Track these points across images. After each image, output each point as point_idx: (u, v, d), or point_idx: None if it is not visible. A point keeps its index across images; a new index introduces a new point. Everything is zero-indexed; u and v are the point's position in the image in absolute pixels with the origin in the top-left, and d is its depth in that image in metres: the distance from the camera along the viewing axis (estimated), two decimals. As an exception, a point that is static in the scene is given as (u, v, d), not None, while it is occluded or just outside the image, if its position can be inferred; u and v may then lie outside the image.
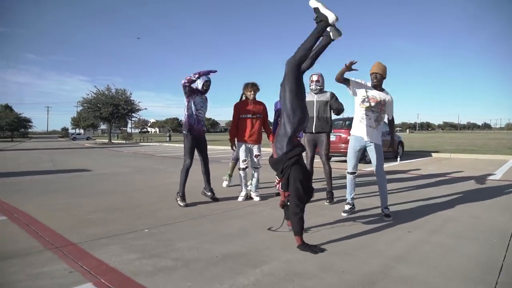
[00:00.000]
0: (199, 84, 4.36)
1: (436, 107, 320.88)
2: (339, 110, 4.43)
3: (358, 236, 2.96)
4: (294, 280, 2.09)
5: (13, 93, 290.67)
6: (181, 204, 4.20)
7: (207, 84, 4.41)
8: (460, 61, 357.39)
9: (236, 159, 5.28)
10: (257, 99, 4.71)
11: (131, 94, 32.37)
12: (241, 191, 4.67)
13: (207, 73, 4.30)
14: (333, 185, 4.54)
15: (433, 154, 12.38)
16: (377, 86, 3.68)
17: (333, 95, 4.51)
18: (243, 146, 4.63)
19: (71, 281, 2.08)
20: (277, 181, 2.81)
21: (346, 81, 3.63)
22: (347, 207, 3.77)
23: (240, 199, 4.60)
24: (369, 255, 2.52)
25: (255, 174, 4.72)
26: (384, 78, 3.69)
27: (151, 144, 28.88)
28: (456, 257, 2.49)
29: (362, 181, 6.13)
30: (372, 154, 3.70)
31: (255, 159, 4.69)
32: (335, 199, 4.43)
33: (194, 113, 4.33)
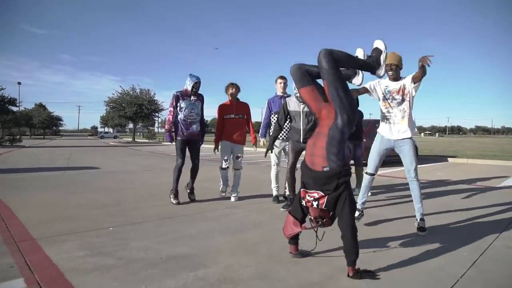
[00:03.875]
0: (188, 86, 4.36)
1: (469, 110, 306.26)
2: None
3: (320, 244, 2.82)
4: (222, 286, 2.03)
5: (48, 93, 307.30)
6: (174, 201, 4.28)
7: (196, 86, 4.40)
8: (495, 62, 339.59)
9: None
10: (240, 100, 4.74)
11: (155, 94, 33.31)
12: (221, 186, 4.73)
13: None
14: None
15: (449, 159, 11.81)
16: (395, 78, 3.40)
17: None
18: (226, 146, 4.62)
19: (6, 275, 2.13)
20: (314, 197, 2.22)
21: (366, 91, 3.47)
22: (356, 213, 3.58)
23: (221, 194, 4.71)
24: (317, 263, 2.41)
25: (236, 175, 4.70)
26: (401, 68, 3.43)
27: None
28: (412, 271, 2.33)
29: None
30: (401, 157, 3.43)
31: (237, 160, 4.66)
32: None
33: (182, 118, 4.35)
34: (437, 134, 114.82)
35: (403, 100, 3.34)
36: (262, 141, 4.86)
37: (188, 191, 4.59)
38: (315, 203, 2.22)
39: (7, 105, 23.85)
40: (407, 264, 2.42)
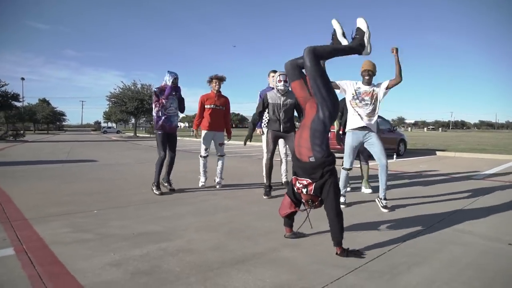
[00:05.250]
0: (168, 81, 4.74)
1: (472, 105, 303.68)
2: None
3: (278, 224, 3.13)
4: (178, 254, 2.41)
5: (52, 88, 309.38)
6: (156, 192, 4.57)
7: (175, 82, 4.79)
8: (499, 56, 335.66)
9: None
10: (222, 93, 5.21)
11: (156, 89, 33.67)
12: (200, 177, 5.11)
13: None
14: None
15: (438, 152, 12.10)
16: (369, 83, 3.94)
17: None
18: (207, 136, 5.05)
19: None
20: (303, 184, 2.48)
21: (336, 86, 3.95)
22: (342, 199, 4.01)
23: (200, 184, 5.08)
24: (267, 239, 2.77)
25: (220, 162, 5.13)
26: (375, 74, 3.97)
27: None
28: (354, 246, 2.67)
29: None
30: (371, 148, 3.93)
31: (220, 147, 5.10)
32: None
33: (164, 112, 4.70)
34: (440, 129, 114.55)
35: (371, 103, 3.89)
36: (259, 131, 5.21)
37: (166, 184, 4.85)
38: (304, 190, 2.48)
39: (10, 100, 24.39)
40: (356, 245, 2.75)
